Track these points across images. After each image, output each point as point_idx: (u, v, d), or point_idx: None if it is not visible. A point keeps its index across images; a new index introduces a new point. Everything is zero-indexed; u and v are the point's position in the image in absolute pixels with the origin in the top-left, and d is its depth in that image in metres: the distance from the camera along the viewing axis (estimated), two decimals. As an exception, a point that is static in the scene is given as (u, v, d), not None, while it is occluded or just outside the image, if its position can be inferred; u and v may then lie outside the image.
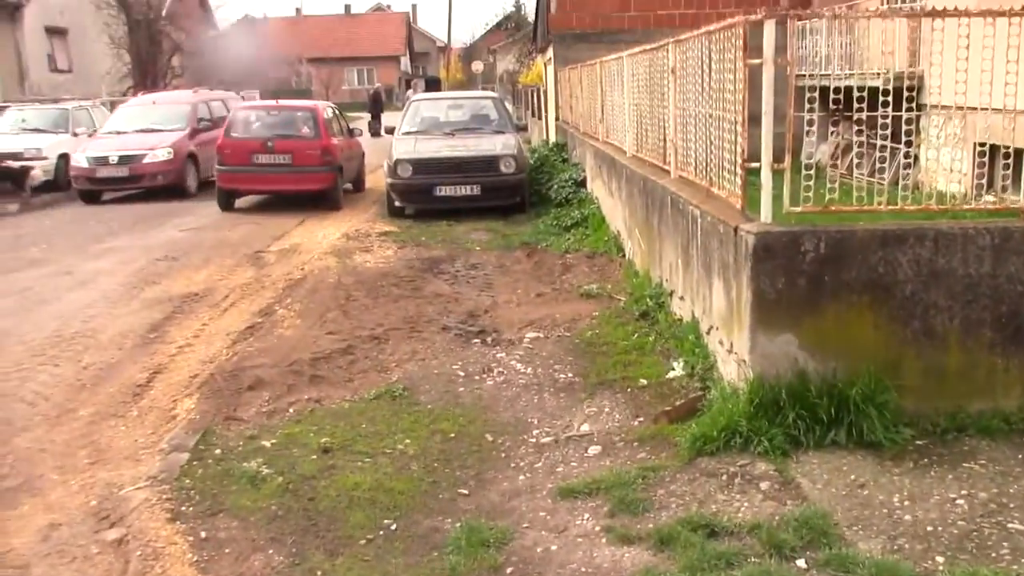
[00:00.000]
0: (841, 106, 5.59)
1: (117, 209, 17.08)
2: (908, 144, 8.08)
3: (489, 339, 7.58)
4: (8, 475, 5.55)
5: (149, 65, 34.34)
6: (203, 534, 4.68)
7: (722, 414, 5.08)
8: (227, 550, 4.54)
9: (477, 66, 54.98)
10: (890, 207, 5.34)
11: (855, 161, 9.70)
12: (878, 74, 11.09)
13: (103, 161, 17.67)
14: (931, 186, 10.81)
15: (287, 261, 11.51)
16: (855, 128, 6.00)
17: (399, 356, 7.23)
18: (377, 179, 18.58)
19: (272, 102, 18.67)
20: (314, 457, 5.48)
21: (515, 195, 13.82)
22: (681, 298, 6.94)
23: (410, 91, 40.02)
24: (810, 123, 5.63)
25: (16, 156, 18.66)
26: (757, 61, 4.96)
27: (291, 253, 12.03)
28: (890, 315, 5.08)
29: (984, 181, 8.05)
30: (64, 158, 19.18)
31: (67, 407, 6.68)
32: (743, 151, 5.29)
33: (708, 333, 6.12)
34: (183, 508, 4.95)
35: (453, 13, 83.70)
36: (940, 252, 5.00)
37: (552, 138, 20.09)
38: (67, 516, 4.94)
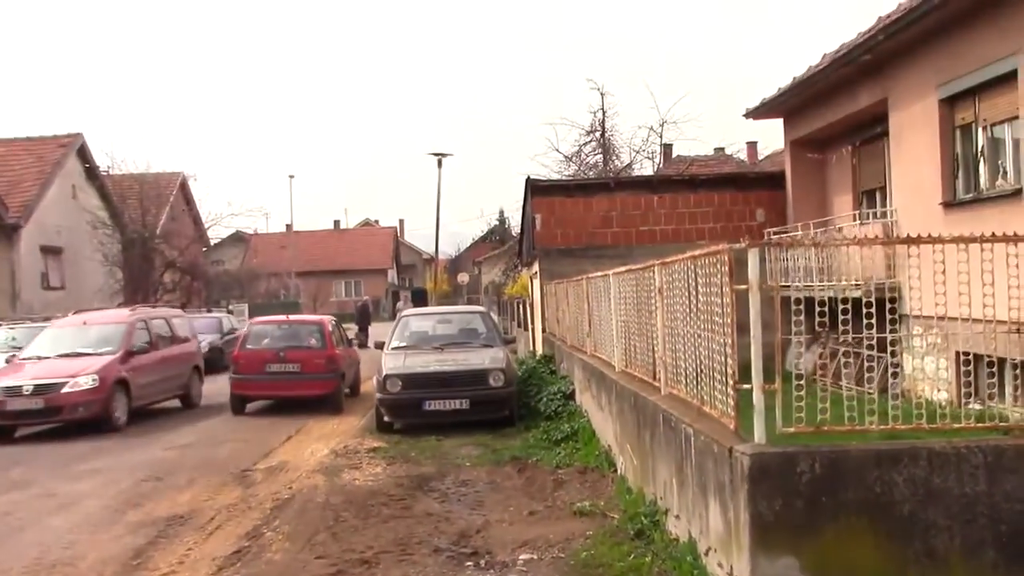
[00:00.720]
0: (826, 318, 5.72)
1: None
2: (893, 353, 8.23)
3: (482, 562, 7.40)
4: None
5: (141, 281, 34.99)
6: None
7: (728, 645, 4.92)
8: None
9: (463, 278, 56.33)
10: (881, 427, 5.39)
11: (842, 369, 9.82)
12: (857, 285, 11.41)
13: (15, 392, 15.40)
14: (918, 394, 10.94)
15: (274, 480, 11.35)
16: (840, 338, 6.11)
17: (389, 582, 7.04)
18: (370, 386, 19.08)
19: (283, 317, 20.32)
20: None
21: (503, 408, 13.83)
22: (677, 517, 6.85)
23: (400, 302, 40.79)
24: (796, 334, 5.75)
25: (2, 375, 18.66)
26: (743, 287, 5.13)
27: (278, 471, 11.88)
28: (890, 535, 5.02)
29: (971, 388, 8.14)
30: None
31: (44, 644, 6.43)
32: (733, 372, 5.38)
33: (706, 554, 6.02)
34: None
35: (440, 225, 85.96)
36: (935, 471, 5.01)
37: (539, 349, 20.32)
38: None
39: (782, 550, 4.97)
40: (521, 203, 22.80)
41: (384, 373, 13.78)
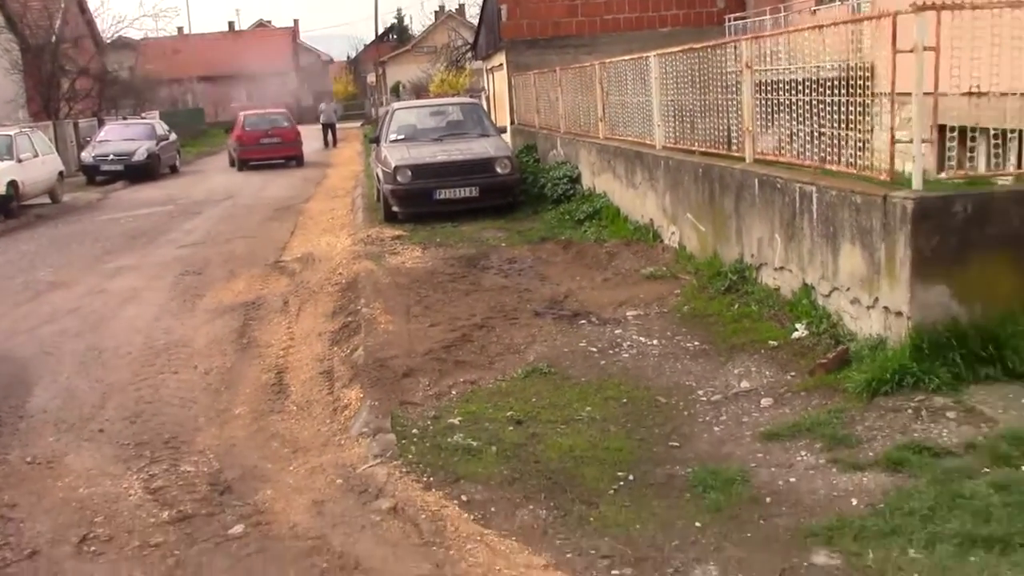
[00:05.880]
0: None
1: (98, 229, 16.86)
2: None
3: (593, 319, 8.07)
4: (225, 467, 5.82)
5: (53, 90, 33.32)
6: (463, 497, 5.05)
7: (890, 359, 5.76)
8: (493, 509, 4.93)
9: (372, 78, 55.24)
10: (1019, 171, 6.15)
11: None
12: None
13: None
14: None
15: (315, 268, 11.72)
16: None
17: (520, 340, 7.66)
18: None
19: (264, 110, 33.31)
20: (511, 428, 5.90)
21: (509, 195, 14.31)
22: (778, 269, 7.61)
23: (323, 105, 40.22)
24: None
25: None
26: (908, 50, 5.68)
27: (313, 262, 12.23)
28: (1029, 262, 5.83)
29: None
30: (12, 185, 18.93)
31: (219, 408, 6.94)
32: (892, 127, 6.01)
33: (828, 296, 6.81)
34: (426, 479, 5.29)
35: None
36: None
37: (508, 142, 20.62)
38: (322, 494, 5.26)
39: (936, 280, 5.75)
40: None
41: (393, 164, 13.98)
